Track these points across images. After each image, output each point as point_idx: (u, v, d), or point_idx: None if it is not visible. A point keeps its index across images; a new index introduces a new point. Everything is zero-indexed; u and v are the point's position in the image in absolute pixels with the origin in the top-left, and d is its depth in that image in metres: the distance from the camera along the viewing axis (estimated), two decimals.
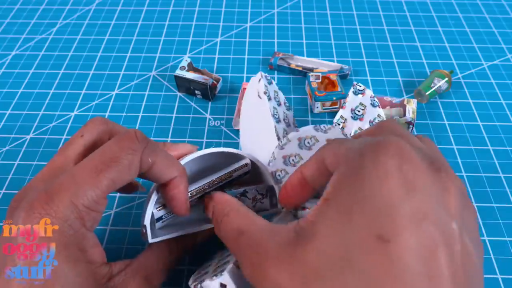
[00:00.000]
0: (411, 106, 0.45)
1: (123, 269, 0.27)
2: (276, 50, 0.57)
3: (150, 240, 0.28)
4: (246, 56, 0.56)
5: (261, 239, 0.21)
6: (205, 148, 0.34)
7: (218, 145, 0.45)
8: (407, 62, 0.55)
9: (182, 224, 0.32)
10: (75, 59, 0.56)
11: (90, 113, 0.49)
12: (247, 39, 0.59)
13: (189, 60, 0.50)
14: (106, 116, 0.48)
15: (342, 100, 0.47)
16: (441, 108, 0.49)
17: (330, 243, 0.18)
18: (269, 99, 0.35)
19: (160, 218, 0.31)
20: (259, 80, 0.35)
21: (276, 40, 0.59)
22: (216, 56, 0.56)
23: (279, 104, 0.37)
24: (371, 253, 0.17)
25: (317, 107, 0.47)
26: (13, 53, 0.57)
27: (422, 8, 0.65)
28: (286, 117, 0.37)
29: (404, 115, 0.45)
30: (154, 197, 0.29)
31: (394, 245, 0.16)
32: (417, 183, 0.18)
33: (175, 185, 0.27)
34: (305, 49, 0.57)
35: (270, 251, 0.20)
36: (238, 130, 0.46)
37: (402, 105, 0.46)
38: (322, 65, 0.54)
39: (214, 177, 0.32)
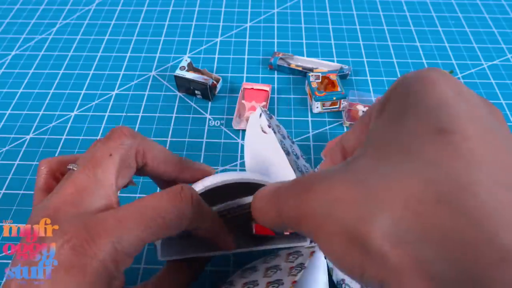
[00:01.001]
0: None
1: None
2: (276, 50, 0.57)
3: (160, 258, 0.27)
4: (246, 56, 0.56)
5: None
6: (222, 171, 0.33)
7: (218, 145, 0.45)
8: (407, 62, 0.55)
9: (201, 244, 0.28)
10: (75, 59, 0.56)
11: (90, 113, 0.49)
12: (247, 39, 0.59)
13: (189, 60, 0.50)
14: (106, 116, 0.48)
15: (342, 100, 0.47)
16: None
17: (383, 142, 0.16)
18: (274, 132, 0.33)
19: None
20: (260, 115, 0.34)
21: (276, 40, 0.59)
22: (216, 56, 0.56)
23: (284, 138, 0.36)
24: (435, 143, 0.14)
25: (317, 107, 0.47)
26: (13, 53, 0.57)
27: (422, 8, 0.65)
28: (293, 150, 0.36)
29: None
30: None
31: (460, 136, 0.14)
32: (465, 92, 0.16)
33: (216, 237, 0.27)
34: (305, 49, 0.57)
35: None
36: (238, 130, 0.46)
37: None
38: (322, 65, 0.54)
39: (245, 201, 0.29)
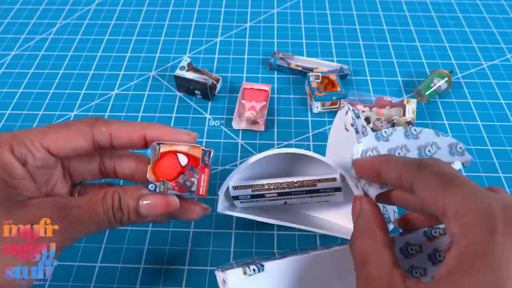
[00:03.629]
0: (411, 106, 0.45)
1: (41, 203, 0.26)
2: (276, 50, 0.57)
3: (219, 210, 0.34)
4: (246, 56, 0.56)
5: (380, 280, 0.21)
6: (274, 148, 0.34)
7: (218, 145, 0.45)
8: (406, 62, 0.55)
9: (260, 210, 0.35)
10: (74, 59, 0.56)
11: (90, 113, 0.49)
12: (247, 39, 0.59)
13: (189, 60, 0.50)
14: (106, 116, 0.48)
15: (341, 100, 0.47)
16: (440, 108, 0.49)
17: None
18: (357, 132, 0.34)
19: (237, 197, 0.34)
20: (346, 112, 0.35)
21: (276, 40, 0.59)
22: (216, 56, 0.56)
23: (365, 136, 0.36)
24: None
25: (317, 107, 0.47)
26: (13, 53, 0.57)
27: (422, 8, 0.65)
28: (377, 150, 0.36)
29: (404, 115, 0.45)
30: (236, 171, 0.33)
31: None
32: None
33: (152, 133, 0.28)
34: (305, 49, 0.57)
35: None
36: (238, 130, 0.46)
37: (402, 105, 0.46)
38: (322, 65, 0.54)
39: (295, 179, 0.33)
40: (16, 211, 0.24)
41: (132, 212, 0.27)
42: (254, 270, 0.28)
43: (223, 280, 0.27)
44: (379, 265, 0.21)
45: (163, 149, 0.28)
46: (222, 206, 0.34)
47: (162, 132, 0.28)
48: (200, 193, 0.28)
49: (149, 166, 0.27)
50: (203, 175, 0.28)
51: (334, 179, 0.32)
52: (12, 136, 0.26)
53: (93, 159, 0.31)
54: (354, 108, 0.36)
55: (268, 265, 0.28)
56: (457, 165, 0.27)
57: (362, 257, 0.23)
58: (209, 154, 0.28)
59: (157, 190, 0.27)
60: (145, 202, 0.27)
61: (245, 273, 0.28)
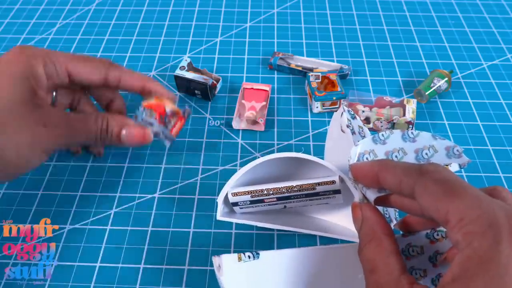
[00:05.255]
0: (411, 106, 0.45)
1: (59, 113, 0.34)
2: (276, 50, 0.57)
3: (218, 217, 0.34)
4: (246, 56, 0.56)
5: (388, 287, 0.21)
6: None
7: (218, 145, 0.45)
8: (406, 62, 0.55)
9: (260, 214, 0.36)
10: None
11: None
12: (247, 39, 0.59)
13: (189, 60, 0.50)
14: None
15: (342, 100, 0.47)
16: (441, 108, 0.49)
17: None
18: (353, 133, 0.33)
19: (236, 204, 0.34)
20: (342, 114, 0.34)
21: (276, 40, 0.59)
22: (216, 56, 0.56)
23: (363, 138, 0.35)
24: None
25: (317, 107, 0.47)
26: None
27: (422, 8, 0.65)
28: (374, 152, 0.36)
29: (404, 115, 0.45)
30: (234, 177, 0.34)
31: None
32: None
33: (149, 87, 0.39)
34: (305, 49, 0.57)
35: None
36: (238, 130, 0.46)
37: (402, 105, 0.46)
38: (322, 65, 0.54)
39: (294, 183, 0.33)
40: (35, 112, 0.31)
41: (115, 136, 0.36)
42: (249, 257, 0.29)
43: (219, 265, 0.28)
44: (387, 273, 0.22)
45: (156, 99, 0.39)
46: (221, 213, 0.34)
47: (156, 87, 0.39)
48: (173, 132, 0.40)
49: (144, 100, 0.39)
50: (179, 122, 0.40)
51: (333, 182, 0.32)
52: (46, 53, 0.33)
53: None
54: (350, 109, 0.35)
55: (264, 253, 0.29)
56: (454, 167, 0.27)
57: (370, 265, 0.23)
58: (188, 113, 0.41)
59: (144, 115, 0.38)
60: (127, 131, 0.36)
61: (240, 259, 0.29)
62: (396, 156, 0.28)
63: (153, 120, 0.38)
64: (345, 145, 0.33)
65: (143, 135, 0.37)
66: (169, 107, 0.39)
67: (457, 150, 0.28)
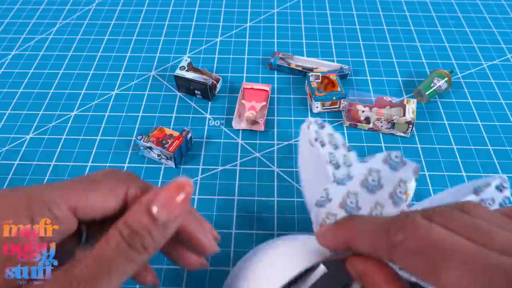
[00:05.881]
0: (411, 106, 0.45)
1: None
2: (276, 50, 0.57)
3: None
4: (246, 56, 0.56)
5: None
6: None
7: (218, 145, 0.45)
8: (407, 62, 0.55)
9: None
10: (74, 59, 0.56)
11: (90, 113, 0.49)
12: (247, 39, 0.59)
13: (189, 60, 0.50)
14: (106, 116, 0.48)
15: (341, 100, 0.47)
16: (441, 108, 0.49)
17: None
18: (323, 145, 0.31)
19: None
20: (308, 127, 0.32)
21: (276, 40, 0.59)
22: (216, 56, 0.56)
23: (337, 147, 0.33)
24: None
25: (317, 107, 0.47)
26: (13, 53, 0.57)
27: (422, 8, 0.65)
28: (347, 159, 0.33)
29: (404, 115, 0.45)
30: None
31: None
32: None
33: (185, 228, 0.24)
34: (305, 49, 0.57)
35: None
36: (238, 130, 0.46)
37: (402, 105, 0.46)
38: (322, 65, 0.54)
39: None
40: None
41: (149, 223, 0.21)
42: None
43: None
44: None
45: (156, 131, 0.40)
46: None
47: (191, 223, 0.24)
48: (169, 150, 0.41)
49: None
50: (176, 141, 0.42)
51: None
52: (28, 195, 0.21)
53: None
54: (318, 119, 0.33)
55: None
56: (411, 187, 0.24)
57: None
58: (187, 134, 0.43)
59: (142, 140, 0.41)
60: (158, 202, 0.20)
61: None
62: (351, 201, 0.27)
63: (151, 144, 0.39)
64: (315, 162, 0.31)
65: (178, 187, 0.21)
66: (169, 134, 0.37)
67: (396, 156, 0.25)
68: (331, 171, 0.30)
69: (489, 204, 0.31)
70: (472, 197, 0.30)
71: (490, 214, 0.19)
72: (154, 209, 0.20)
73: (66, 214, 0.21)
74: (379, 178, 0.27)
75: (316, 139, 0.31)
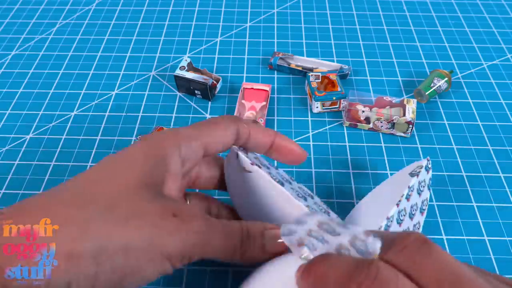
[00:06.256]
0: (411, 106, 0.45)
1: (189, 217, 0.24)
2: (276, 50, 0.57)
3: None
4: (246, 56, 0.56)
5: None
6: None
7: None
8: (407, 62, 0.55)
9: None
10: (74, 59, 0.56)
11: (90, 113, 0.49)
12: (247, 39, 0.59)
13: (189, 60, 0.50)
14: (106, 116, 0.48)
15: (341, 100, 0.47)
16: (441, 108, 0.49)
17: None
18: (259, 167, 0.29)
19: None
20: (237, 155, 0.30)
21: (276, 40, 0.59)
22: (216, 56, 0.56)
23: (269, 167, 0.32)
24: None
25: (317, 107, 0.47)
26: (13, 53, 0.57)
27: (422, 8, 0.65)
28: (283, 176, 0.32)
29: (404, 115, 0.45)
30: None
31: None
32: None
33: (281, 142, 0.31)
34: (305, 49, 0.57)
35: None
36: None
37: (402, 105, 0.46)
38: (322, 65, 0.54)
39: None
40: (163, 200, 0.24)
41: (258, 248, 0.26)
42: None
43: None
44: None
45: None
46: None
47: (287, 144, 0.31)
48: None
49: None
50: None
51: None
52: (176, 133, 0.27)
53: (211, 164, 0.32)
54: (241, 148, 0.31)
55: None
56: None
57: None
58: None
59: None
60: (271, 233, 0.26)
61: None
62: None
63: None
64: (258, 184, 0.29)
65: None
66: None
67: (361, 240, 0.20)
68: (280, 187, 0.29)
69: (423, 186, 0.33)
70: (414, 180, 0.31)
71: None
72: (266, 237, 0.26)
73: (198, 148, 0.27)
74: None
75: (252, 164, 0.29)
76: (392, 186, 0.34)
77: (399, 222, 0.31)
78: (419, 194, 0.33)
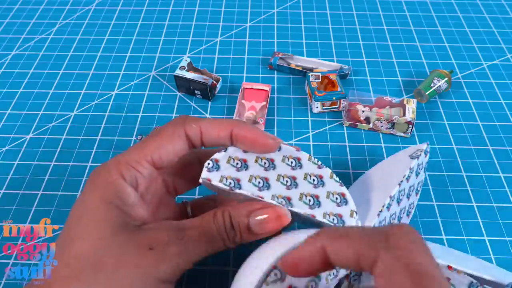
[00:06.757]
0: (411, 106, 0.45)
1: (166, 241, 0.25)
2: (276, 50, 0.57)
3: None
4: (246, 56, 0.56)
5: None
6: None
7: None
8: (406, 62, 0.55)
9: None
10: (74, 59, 0.56)
11: (90, 113, 0.49)
12: (247, 39, 0.59)
13: (189, 60, 0.50)
14: (106, 116, 0.48)
15: (341, 100, 0.47)
16: (441, 108, 0.49)
17: None
18: (234, 188, 0.28)
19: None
20: (211, 185, 0.28)
21: (276, 40, 0.59)
22: (216, 56, 0.56)
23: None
24: None
25: (317, 107, 0.47)
26: (13, 53, 0.57)
27: (422, 8, 0.65)
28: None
29: (404, 115, 0.45)
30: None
31: None
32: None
33: (240, 132, 0.28)
34: (305, 49, 0.57)
35: None
36: None
37: (402, 105, 0.46)
38: (322, 65, 0.54)
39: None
40: (135, 237, 0.25)
41: (244, 230, 0.27)
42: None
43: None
44: None
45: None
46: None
47: (249, 132, 0.28)
48: None
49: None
50: None
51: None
52: (117, 162, 0.26)
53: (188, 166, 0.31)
54: (215, 179, 0.28)
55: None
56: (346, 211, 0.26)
57: None
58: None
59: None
60: (256, 218, 0.27)
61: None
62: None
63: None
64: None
65: (277, 217, 0.27)
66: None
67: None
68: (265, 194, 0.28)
69: (420, 168, 0.35)
70: (414, 162, 0.33)
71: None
72: (252, 221, 0.26)
73: (146, 166, 0.27)
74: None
75: (229, 184, 0.28)
76: (392, 167, 0.36)
77: (398, 202, 0.33)
78: (416, 176, 0.35)
